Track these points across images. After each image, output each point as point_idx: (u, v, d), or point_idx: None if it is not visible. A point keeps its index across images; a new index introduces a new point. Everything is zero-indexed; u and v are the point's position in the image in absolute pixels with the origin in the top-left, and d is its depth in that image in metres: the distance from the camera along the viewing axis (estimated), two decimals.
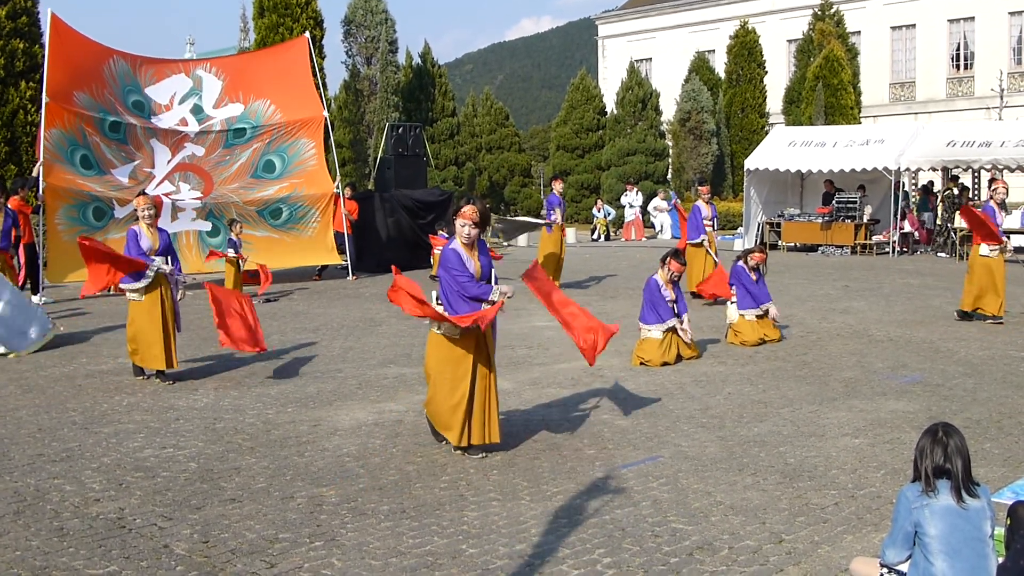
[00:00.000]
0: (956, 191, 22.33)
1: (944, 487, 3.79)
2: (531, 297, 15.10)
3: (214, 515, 5.43)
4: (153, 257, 9.05)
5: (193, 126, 17.87)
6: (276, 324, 12.58)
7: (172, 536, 5.12)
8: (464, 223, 6.41)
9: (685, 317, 9.98)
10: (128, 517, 5.42)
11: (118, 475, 6.21)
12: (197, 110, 18.06)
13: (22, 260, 14.99)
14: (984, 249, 11.78)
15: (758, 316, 10.72)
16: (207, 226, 17.23)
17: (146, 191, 16.85)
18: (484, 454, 6.51)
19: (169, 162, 17.58)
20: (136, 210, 9.31)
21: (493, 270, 6.67)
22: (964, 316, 12.02)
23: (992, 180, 16.26)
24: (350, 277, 18.01)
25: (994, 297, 11.73)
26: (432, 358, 6.56)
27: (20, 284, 14.27)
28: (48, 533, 5.18)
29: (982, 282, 11.75)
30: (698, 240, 14.29)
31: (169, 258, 9.22)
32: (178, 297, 9.34)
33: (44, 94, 15.61)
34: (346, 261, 18.11)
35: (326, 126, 18.62)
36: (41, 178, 15.11)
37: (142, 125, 17.30)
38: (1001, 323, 11.72)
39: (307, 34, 19.81)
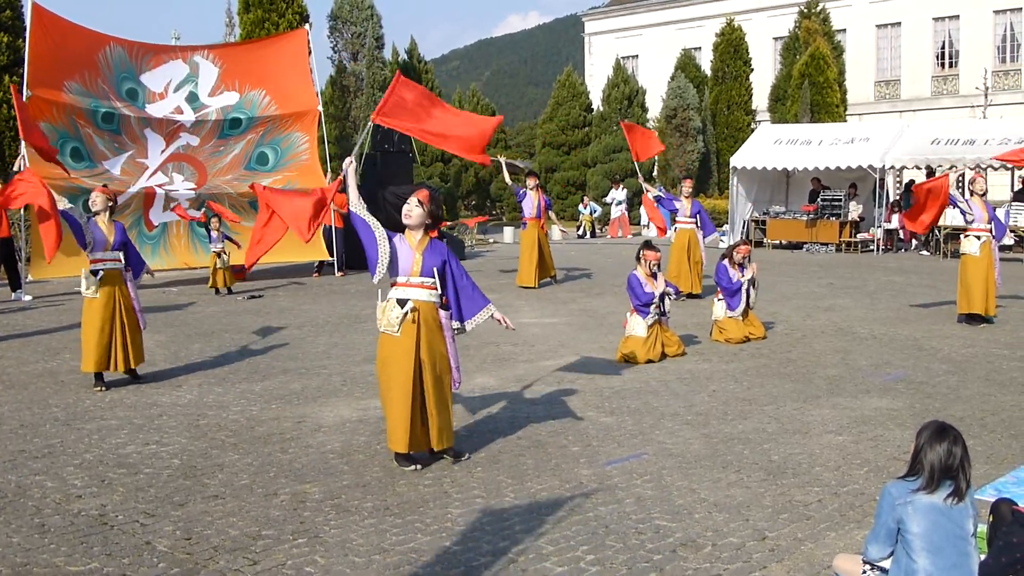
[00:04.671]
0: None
1: (945, 487, 3.79)
2: (518, 294, 15.25)
3: (197, 512, 5.41)
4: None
5: (188, 114, 17.77)
6: (260, 320, 12.55)
7: (154, 533, 5.09)
8: (410, 201, 6.12)
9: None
10: (110, 514, 5.39)
11: (100, 471, 6.18)
12: (192, 98, 17.95)
13: None
14: (965, 246, 11.70)
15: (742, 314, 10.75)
16: (198, 214, 17.17)
17: (137, 182, 16.87)
18: (416, 466, 6.14)
19: (163, 152, 17.50)
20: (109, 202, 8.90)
21: (454, 282, 6.27)
22: (967, 319, 11.56)
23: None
24: (337, 273, 17.94)
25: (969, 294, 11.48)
26: (377, 357, 6.27)
27: None
28: (29, 529, 5.15)
29: (966, 280, 11.58)
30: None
31: (123, 254, 8.79)
32: (136, 280, 8.97)
33: (26, 87, 15.45)
34: (332, 257, 18.02)
35: (319, 120, 18.58)
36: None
37: (136, 115, 17.20)
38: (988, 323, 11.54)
39: (307, 26, 19.71)
